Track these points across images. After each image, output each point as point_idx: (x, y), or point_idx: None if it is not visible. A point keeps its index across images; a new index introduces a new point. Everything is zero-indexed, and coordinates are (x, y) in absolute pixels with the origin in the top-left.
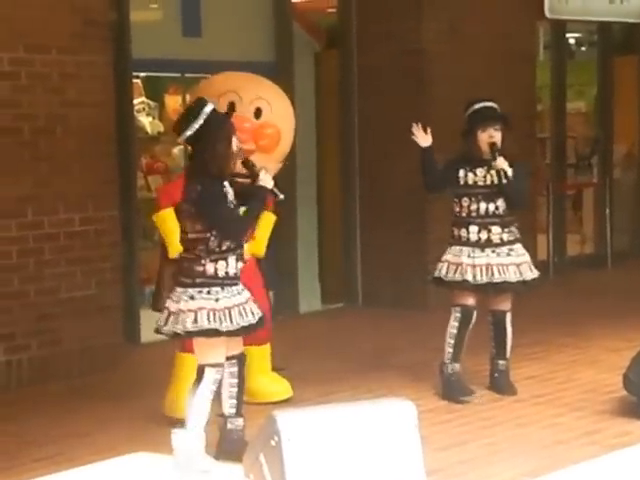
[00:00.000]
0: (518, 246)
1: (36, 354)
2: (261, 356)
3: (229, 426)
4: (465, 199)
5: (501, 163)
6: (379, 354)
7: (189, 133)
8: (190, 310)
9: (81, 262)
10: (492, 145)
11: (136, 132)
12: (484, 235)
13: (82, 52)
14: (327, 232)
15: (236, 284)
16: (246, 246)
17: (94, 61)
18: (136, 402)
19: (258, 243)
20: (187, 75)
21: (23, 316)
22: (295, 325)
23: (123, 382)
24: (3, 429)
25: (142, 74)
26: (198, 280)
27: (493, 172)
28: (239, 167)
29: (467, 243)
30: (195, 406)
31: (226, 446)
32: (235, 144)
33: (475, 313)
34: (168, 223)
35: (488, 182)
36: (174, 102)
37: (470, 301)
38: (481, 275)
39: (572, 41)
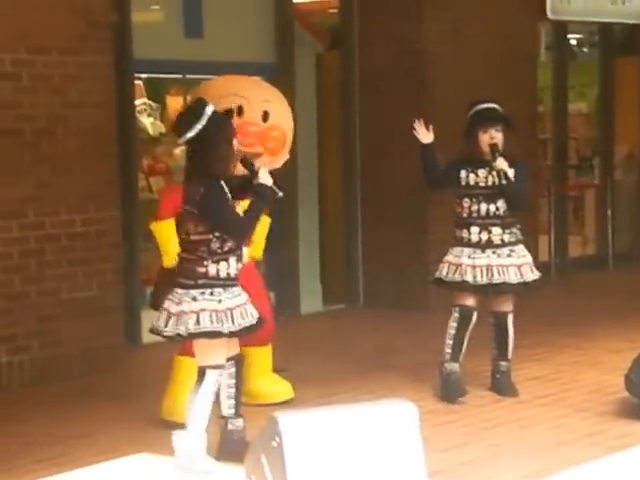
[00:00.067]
0: (520, 247)
1: (37, 355)
2: (262, 357)
3: (230, 427)
4: (466, 200)
5: (501, 164)
6: (380, 355)
7: (191, 134)
8: (192, 311)
9: (82, 263)
10: (493, 146)
11: (137, 133)
12: (485, 236)
13: (83, 53)
14: (328, 233)
15: (236, 285)
16: (245, 249)
17: (95, 62)
18: (137, 403)
19: (255, 246)
20: (189, 76)
21: (24, 317)
22: (296, 326)
23: (124, 383)
24: (4, 430)
25: (144, 75)
26: (200, 281)
27: (494, 173)
28: (239, 168)
29: (468, 244)
30: (196, 407)
31: (227, 447)
32: (235, 145)
33: (475, 314)
34: (165, 233)
35: (489, 183)
36: (176, 103)
37: (470, 302)
38: (481, 276)
39: (573, 42)
